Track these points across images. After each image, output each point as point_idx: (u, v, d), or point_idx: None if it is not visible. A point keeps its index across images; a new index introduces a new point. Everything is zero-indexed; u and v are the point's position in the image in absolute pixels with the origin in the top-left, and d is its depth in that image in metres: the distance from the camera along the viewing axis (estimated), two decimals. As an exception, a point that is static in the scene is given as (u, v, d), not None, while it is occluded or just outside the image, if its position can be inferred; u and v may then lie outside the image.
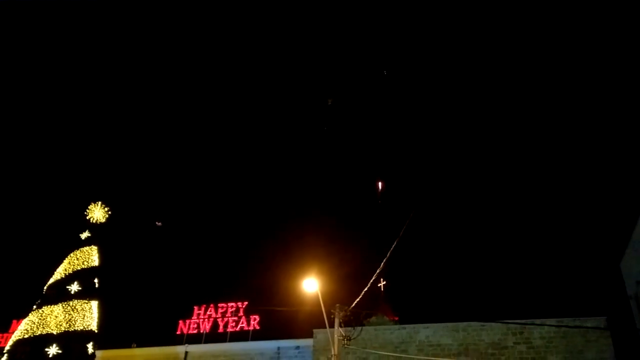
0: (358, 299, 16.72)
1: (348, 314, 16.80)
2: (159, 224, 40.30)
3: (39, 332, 22.61)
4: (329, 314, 16.78)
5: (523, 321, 23.73)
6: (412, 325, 25.31)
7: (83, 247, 25.65)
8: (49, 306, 23.50)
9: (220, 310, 29.93)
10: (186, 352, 28.33)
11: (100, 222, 26.88)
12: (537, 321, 23.71)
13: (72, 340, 22.65)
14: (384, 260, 15.93)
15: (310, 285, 16.96)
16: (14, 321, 29.57)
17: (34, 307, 23.97)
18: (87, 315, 23.73)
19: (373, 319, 28.36)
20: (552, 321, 23.56)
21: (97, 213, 26.91)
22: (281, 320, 29.38)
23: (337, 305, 16.88)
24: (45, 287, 24.56)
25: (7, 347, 23.18)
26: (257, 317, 29.33)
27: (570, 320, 23.52)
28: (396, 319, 30.64)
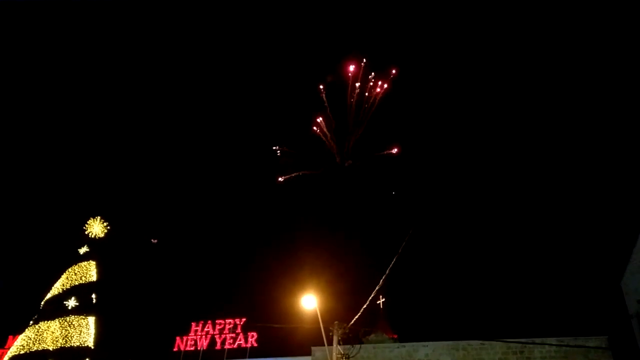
0: (357, 316, 16.62)
1: (347, 331, 16.67)
2: (155, 241, 40.28)
3: (35, 348, 22.43)
4: (327, 331, 16.66)
5: (524, 340, 23.53)
6: (411, 344, 25.10)
7: (81, 262, 25.55)
8: (45, 322, 23.35)
9: (217, 327, 29.69)
10: (183, 369, 28.05)
11: (99, 237, 26.82)
12: (538, 340, 23.53)
13: (68, 357, 22.46)
14: (383, 277, 15.88)
15: (309, 302, 16.87)
16: (10, 337, 29.29)
17: (31, 322, 23.80)
18: (84, 331, 23.55)
19: (372, 336, 28.13)
20: (553, 340, 23.38)
21: (96, 228, 26.86)
22: (279, 337, 29.11)
23: (336, 322, 16.76)
24: (42, 303, 24.42)
25: (2, 363, 23.01)
26: (254, 334, 29.09)
27: (571, 340, 23.36)
28: (395, 336, 30.37)
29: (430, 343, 24.79)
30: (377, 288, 16.90)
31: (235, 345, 28.90)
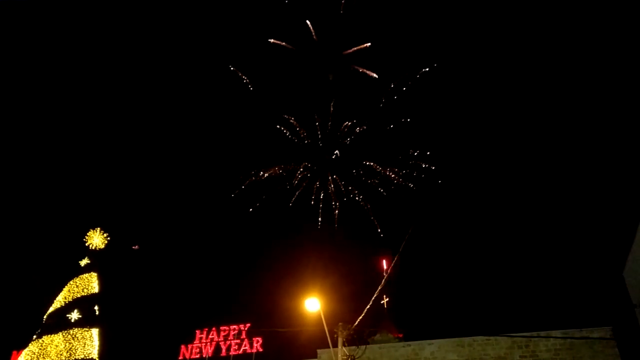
0: (361, 317, 16.59)
1: (351, 332, 16.65)
2: (136, 247, 40.04)
3: (40, 363, 22.38)
4: (332, 333, 16.64)
5: (528, 334, 23.54)
6: (417, 342, 25.07)
7: (83, 274, 25.53)
8: (49, 335, 23.33)
9: (222, 334, 29.62)
10: (189, 378, 27.98)
11: (100, 249, 26.79)
12: (543, 333, 23.55)
13: (73, 370, 22.42)
14: (386, 277, 15.89)
15: (312, 304, 16.84)
16: (14, 352, 29.14)
17: (34, 336, 23.75)
18: (88, 343, 23.52)
19: (377, 336, 28.12)
20: (558, 333, 23.39)
21: (96, 239, 26.83)
22: (284, 341, 29.08)
23: (340, 324, 16.72)
24: (45, 316, 24.38)
25: (7, 379, 22.95)
26: (259, 339, 29.03)
27: (576, 331, 23.38)
28: (400, 336, 30.38)
29: (436, 341, 24.76)
30: (379, 288, 16.90)
31: (241, 351, 28.83)
